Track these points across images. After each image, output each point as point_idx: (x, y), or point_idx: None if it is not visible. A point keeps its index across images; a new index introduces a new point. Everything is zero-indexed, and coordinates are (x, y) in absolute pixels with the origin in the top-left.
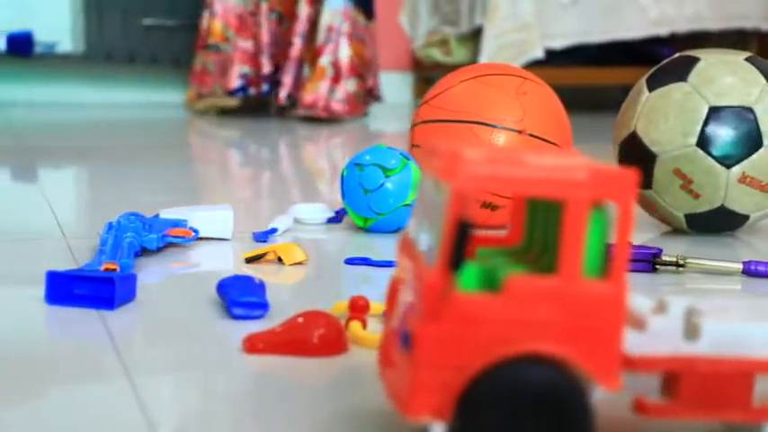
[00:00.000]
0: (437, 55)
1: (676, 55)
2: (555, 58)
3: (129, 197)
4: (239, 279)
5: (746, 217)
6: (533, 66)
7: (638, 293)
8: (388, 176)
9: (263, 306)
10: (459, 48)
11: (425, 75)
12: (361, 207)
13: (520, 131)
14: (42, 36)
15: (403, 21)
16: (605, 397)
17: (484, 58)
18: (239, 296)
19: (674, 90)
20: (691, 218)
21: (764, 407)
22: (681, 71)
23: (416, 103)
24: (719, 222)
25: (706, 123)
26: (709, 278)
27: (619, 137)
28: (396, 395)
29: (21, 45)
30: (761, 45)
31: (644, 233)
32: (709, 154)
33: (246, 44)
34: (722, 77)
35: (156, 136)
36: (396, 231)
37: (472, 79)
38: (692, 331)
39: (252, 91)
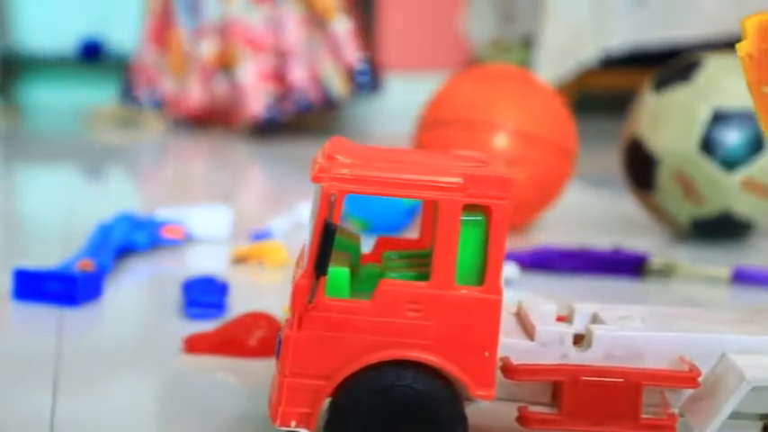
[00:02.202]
0: (495, 59)
1: (682, 56)
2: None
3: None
4: (203, 280)
5: (752, 223)
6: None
7: (547, 299)
8: None
9: (217, 307)
10: (517, 50)
11: None
12: (358, 209)
13: (518, 133)
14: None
15: (464, 23)
16: (490, 406)
17: (539, 62)
18: (196, 296)
19: (679, 92)
20: (695, 223)
21: (652, 421)
22: (686, 73)
23: None
24: (725, 228)
25: (710, 127)
26: (696, 284)
27: (623, 140)
28: (270, 402)
29: (92, 50)
30: None
31: (652, 238)
32: (713, 158)
33: None
34: (727, 80)
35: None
36: (394, 232)
37: (471, 81)
38: (582, 340)
39: None
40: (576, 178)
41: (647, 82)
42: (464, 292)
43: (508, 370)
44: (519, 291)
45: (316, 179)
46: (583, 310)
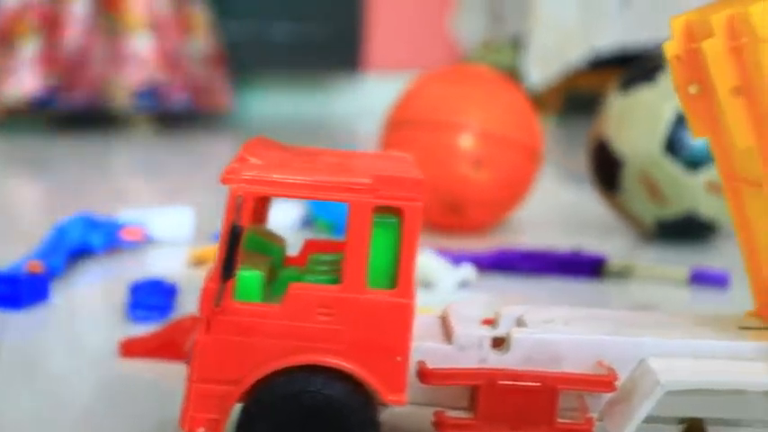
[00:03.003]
0: (484, 59)
1: (647, 57)
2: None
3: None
4: (150, 282)
5: (716, 224)
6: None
7: (474, 302)
8: None
9: (162, 309)
10: (505, 51)
11: None
12: (323, 210)
13: (483, 134)
14: None
15: (454, 24)
16: (409, 411)
17: (527, 63)
18: (141, 299)
19: (643, 93)
20: (660, 224)
21: (569, 425)
22: (651, 74)
23: None
24: (689, 229)
25: (674, 128)
26: (653, 285)
27: (590, 142)
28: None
29: None
30: None
31: (620, 239)
32: (677, 159)
33: None
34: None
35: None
36: None
37: (438, 82)
38: (501, 343)
39: None
40: (557, 178)
41: (614, 83)
42: (375, 295)
43: (423, 374)
44: (474, 293)
45: (224, 181)
46: (509, 312)
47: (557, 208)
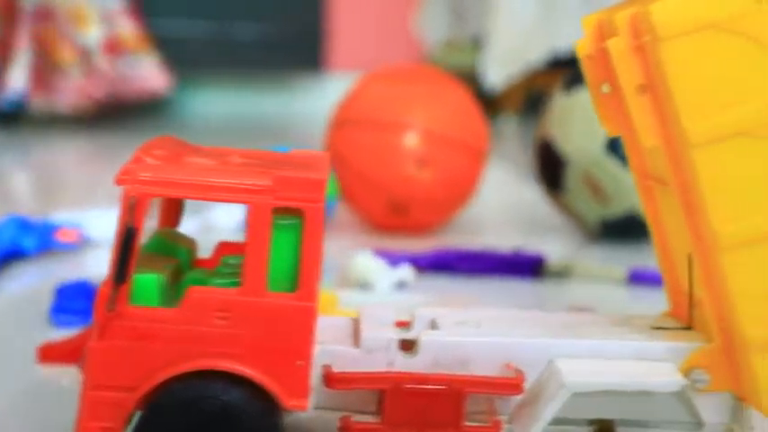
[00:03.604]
0: (446, 59)
1: None
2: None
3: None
4: (77, 285)
5: None
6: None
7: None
8: None
9: (87, 313)
10: (466, 52)
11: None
12: None
13: (427, 133)
14: None
15: (417, 23)
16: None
17: (489, 62)
18: (64, 303)
19: (585, 93)
20: (603, 224)
21: (476, 429)
22: None
23: None
24: (632, 228)
25: None
26: (593, 285)
27: (535, 141)
28: None
29: None
30: None
31: (567, 239)
32: (619, 159)
33: None
34: None
35: None
36: None
37: (383, 81)
38: (409, 346)
39: None
40: (516, 177)
41: (558, 82)
42: (276, 298)
43: (328, 378)
44: (412, 293)
45: (117, 182)
46: (423, 314)
47: (514, 207)
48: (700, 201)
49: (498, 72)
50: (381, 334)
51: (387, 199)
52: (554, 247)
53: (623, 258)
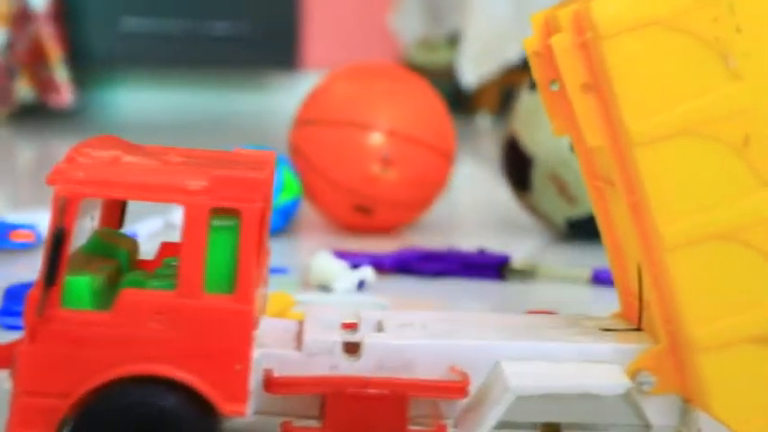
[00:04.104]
0: (422, 56)
1: None
2: None
3: None
4: (27, 286)
5: None
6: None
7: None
8: None
9: None
10: (442, 49)
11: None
12: None
13: (390, 133)
14: None
15: (393, 21)
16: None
17: (464, 61)
18: (12, 305)
19: None
20: (570, 224)
21: None
22: None
23: None
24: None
25: None
26: (557, 285)
27: (502, 140)
28: None
29: None
30: None
31: (536, 239)
32: None
33: None
34: None
35: None
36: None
37: (347, 79)
38: (352, 349)
39: None
40: (491, 177)
41: (527, 79)
42: (212, 301)
43: (268, 383)
44: (372, 294)
45: (48, 182)
46: (369, 317)
47: (486, 207)
48: (644, 201)
49: (473, 70)
50: (324, 337)
51: (351, 199)
52: (522, 246)
53: (590, 258)
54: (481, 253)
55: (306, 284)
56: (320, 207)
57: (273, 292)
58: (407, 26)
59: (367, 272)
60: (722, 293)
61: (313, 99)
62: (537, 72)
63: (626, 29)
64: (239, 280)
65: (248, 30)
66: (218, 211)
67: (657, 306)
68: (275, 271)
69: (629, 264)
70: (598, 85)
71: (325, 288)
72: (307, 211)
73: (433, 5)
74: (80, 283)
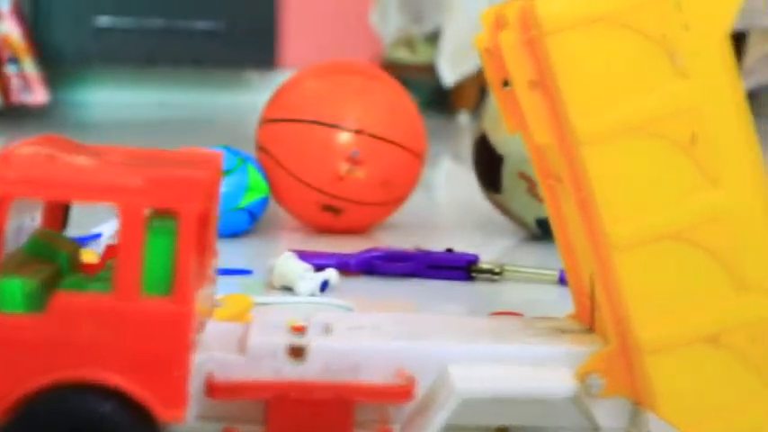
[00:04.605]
0: (403, 55)
1: None
2: None
3: None
4: None
5: None
6: None
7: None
8: None
9: None
10: (423, 47)
11: (395, 75)
12: None
13: (358, 132)
14: None
15: (374, 19)
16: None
17: (443, 58)
18: None
19: None
20: (540, 222)
21: None
22: None
23: None
24: None
25: None
26: (525, 286)
27: (473, 139)
28: None
29: None
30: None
31: (507, 239)
32: None
33: None
34: None
35: None
36: (232, 236)
37: (315, 77)
38: (297, 353)
39: None
40: (469, 176)
41: None
42: (149, 304)
43: (210, 388)
44: (336, 296)
45: None
46: (319, 319)
47: (462, 206)
48: (591, 199)
49: (453, 69)
50: (269, 340)
51: (319, 199)
52: (494, 246)
53: (560, 259)
54: (449, 253)
55: (270, 286)
56: (288, 207)
57: (232, 294)
58: (387, 24)
59: (331, 273)
60: (670, 294)
61: (280, 97)
62: (488, 69)
63: (571, 25)
64: (177, 282)
65: (226, 28)
66: (158, 212)
67: (607, 307)
68: (239, 272)
69: (582, 263)
70: (544, 82)
71: (288, 290)
72: (276, 211)
73: (414, 4)
74: (12, 286)
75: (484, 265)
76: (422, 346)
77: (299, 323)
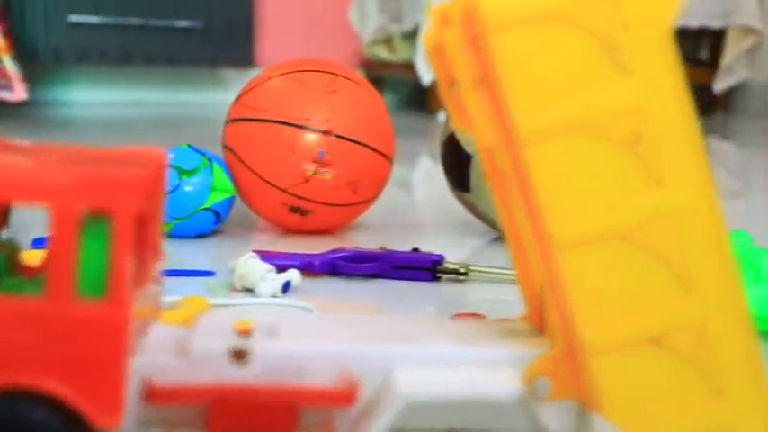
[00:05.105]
0: (382, 53)
1: None
2: None
3: None
4: None
5: None
6: None
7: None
8: (184, 178)
9: None
10: (402, 45)
11: (374, 74)
12: None
13: (325, 132)
14: None
15: (353, 18)
16: None
17: (421, 57)
18: None
19: None
20: None
21: None
22: None
23: None
24: None
25: None
26: (490, 286)
27: (442, 137)
28: None
29: None
30: (712, 44)
31: (475, 240)
32: None
33: None
34: None
35: None
36: (199, 236)
37: (282, 76)
38: (239, 356)
39: None
40: (441, 174)
41: None
42: (82, 307)
43: (148, 393)
44: (297, 297)
45: None
46: (266, 322)
47: (437, 206)
48: (536, 199)
49: (431, 67)
50: (211, 343)
51: (286, 200)
52: (464, 247)
53: None
54: (414, 253)
55: (232, 288)
56: (255, 208)
57: (190, 296)
58: (366, 22)
59: (293, 274)
60: (615, 294)
61: (246, 96)
62: (436, 68)
63: (514, 23)
64: (112, 284)
65: (203, 26)
66: (92, 212)
67: (554, 308)
68: (201, 273)
69: (532, 264)
70: (488, 80)
71: (249, 291)
72: (245, 212)
73: (393, 2)
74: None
75: (449, 266)
76: (367, 349)
77: (246, 326)
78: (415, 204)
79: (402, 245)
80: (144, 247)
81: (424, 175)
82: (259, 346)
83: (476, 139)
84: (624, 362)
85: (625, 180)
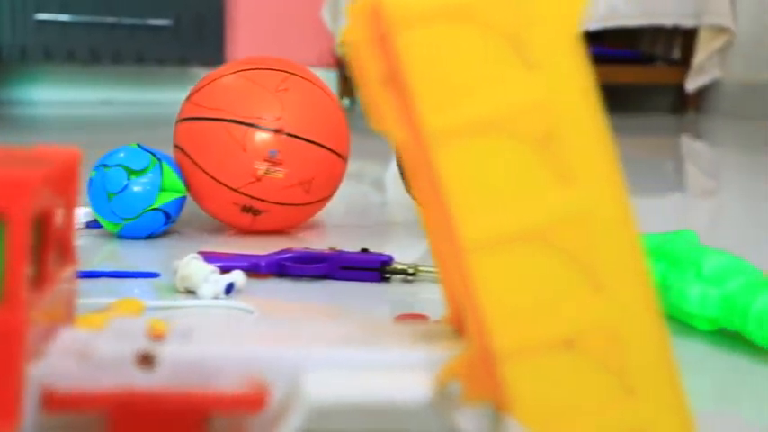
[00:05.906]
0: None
1: None
2: None
3: None
4: None
5: None
6: None
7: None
8: (132, 178)
9: None
10: None
11: (346, 73)
12: (105, 212)
13: (277, 131)
14: None
15: (325, 16)
16: None
17: None
18: None
19: None
20: None
21: None
22: None
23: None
24: None
25: None
26: (439, 287)
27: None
28: None
29: None
30: (684, 43)
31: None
32: None
33: None
34: None
35: None
36: (149, 237)
37: (234, 74)
38: (146, 361)
39: None
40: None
41: None
42: None
43: (45, 400)
44: (242, 299)
45: None
46: (181, 326)
47: (408, 207)
48: (446, 199)
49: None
50: (116, 347)
51: (237, 200)
52: (421, 247)
53: None
54: (363, 254)
55: (175, 289)
56: (207, 208)
57: (124, 298)
58: (339, 20)
59: (237, 276)
60: (526, 296)
61: (197, 95)
62: (353, 64)
63: (421, 20)
64: (7, 288)
65: (173, 24)
66: None
67: (468, 310)
68: (145, 275)
69: (449, 263)
70: (396, 78)
71: (192, 293)
72: (197, 212)
73: None
74: None
75: (398, 266)
76: (278, 352)
77: (159, 329)
78: (387, 204)
79: (356, 245)
80: (49, 249)
81: (396, 175)
82: (167, 351)
83: (390, 137)
84: (537, 364)
85: (535, 180)
